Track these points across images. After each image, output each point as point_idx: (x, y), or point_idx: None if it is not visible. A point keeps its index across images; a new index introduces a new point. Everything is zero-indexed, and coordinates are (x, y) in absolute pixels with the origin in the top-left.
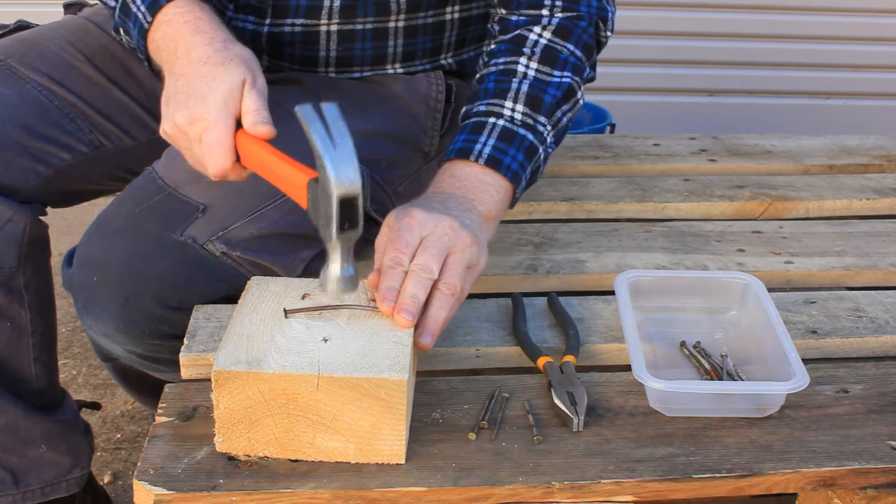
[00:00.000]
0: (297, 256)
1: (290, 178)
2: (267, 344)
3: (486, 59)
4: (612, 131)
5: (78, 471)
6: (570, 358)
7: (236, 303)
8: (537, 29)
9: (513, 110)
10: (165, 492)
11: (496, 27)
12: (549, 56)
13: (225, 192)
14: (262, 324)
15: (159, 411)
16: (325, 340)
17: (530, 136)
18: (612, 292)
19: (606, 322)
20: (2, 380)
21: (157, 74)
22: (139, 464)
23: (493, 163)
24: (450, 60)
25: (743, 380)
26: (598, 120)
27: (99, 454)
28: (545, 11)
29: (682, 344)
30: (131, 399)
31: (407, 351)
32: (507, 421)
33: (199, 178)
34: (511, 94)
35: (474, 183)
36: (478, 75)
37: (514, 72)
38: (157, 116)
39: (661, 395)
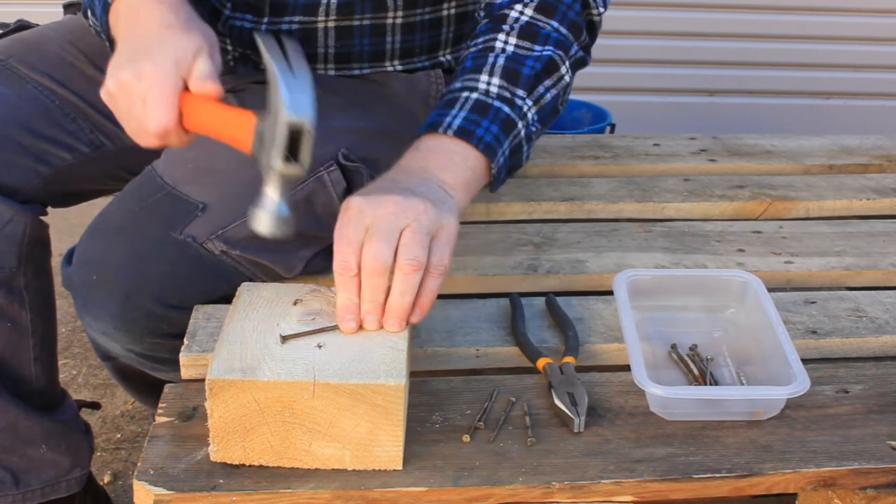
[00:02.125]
0: (296, 255)
1: (236, 121)
2: (261, 351)
3: (468, 43)
4: (612, 131)
5: (78, 471)
6: (569, 359)
7: None
8: (518, 7)
9: (488, 83)
10: (165, 492)
11: (481, 13)
12: (528, 32)
13: (224, 191)
14: (255, 330)
15: (159, 411)
16: (320, 347)
17: (506, 109)
18: (612, 292)
19: (606, 322)
20: (2, 380)
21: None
22: (139, 464)
23: (464, 133)
24: (448, 57)
25: (743, 383)
26: (598, 120)
27: (99, 454)
28: None
29: (673, 347)
30: (131, 399)
31: (403, 356)
32: (508, 421)
33: (199, 177)
34: (486, 68)
35: (437, 152)
36: (461, 56)
37: (492, 48)
38: None
39: (662, 400)
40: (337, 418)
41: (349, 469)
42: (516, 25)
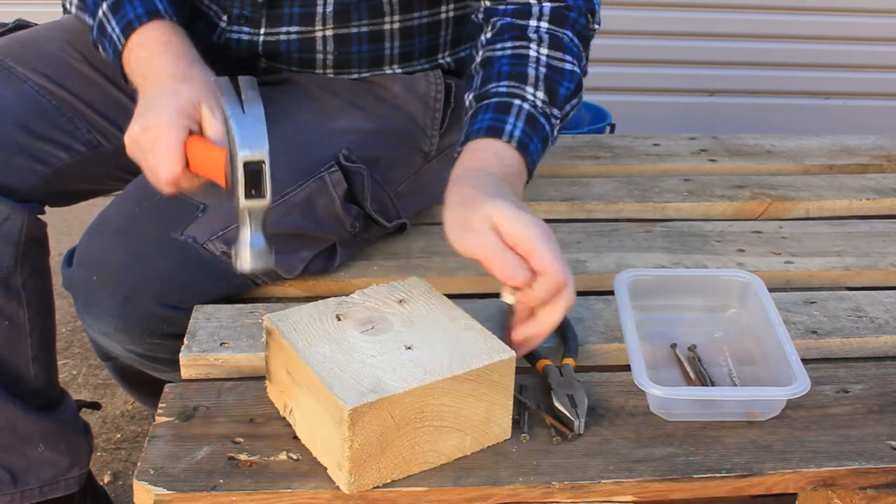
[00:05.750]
0: (296, 257)
1: (215, 160)
2: (367, 369)
3: (484, 45)
4: (612, 131)
5: (77, 470)
6: (569, 360)
7: (236, 303)
8: (533, 20)
9: (534, 96)
10: (165, 492)
11: (480, 16)
12: (556, 41)
13: (225, 192)
14: (337, 353)
15: (159, 411)
16: (409, 348)
17: (547, 127)
18: (612, 292)
19: (606, 322)
20: (0, 379)
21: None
22: (139, 464)
23: (522, 148)
24: (448, 59)
25: (735, 384)
26: (598, 120)
27: (99, 454)
28: (533, 0)
29: (673, 347)
30: (131, 399)
31: (487, 332)
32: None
33: None
34: (531, 79)
35: (514, 173)
36: (479, 59)
37: (527, 56)
38: None
39: (661, 401)
40: (461, 407)
41: (469, 454)
42: (543, 35)
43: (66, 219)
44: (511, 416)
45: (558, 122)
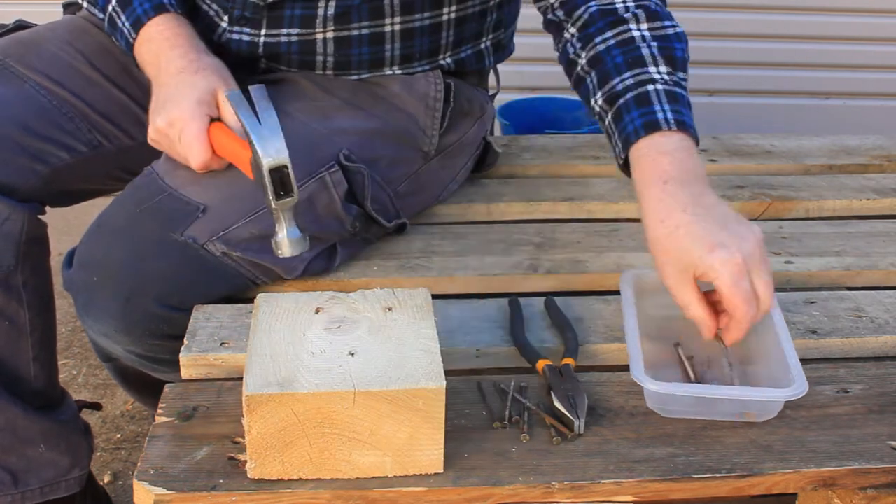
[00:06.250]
0: (297, 257)
1: (242, 156)
2: (293, 363)
3: (576, 43)
4: None
5: (77, 471)
6: (569, 360)
7: (236, 303)
8: (619, 2)
9: (660, 73)
10: (165, 492)
11: (560, 13)
12: (648, 12)
13: (225, 192)
14: (283, 342)
15: (159, 411)
16: (352, 354)
17: (685, 94)
18: (612, 292)
19: (606, 322)
20: (0, 379)
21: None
22: (139, 464)
23: (682, 126)
24: (448, 60)
25: (735, 385)
26: None
27: (99, 454)
28: None
29: (676, 346)
30: (131, 399)
31: (437, 358)
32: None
33: (200, 179)
34: (648, 59)
35: (685, 154)
36: (585, 59)
37: (633, 38)
38: None
39: (658, 396)
40: (377, 426)
41: (390, 476)
42: (636, 11)
43: (66, 219)
44: (442, 450)
45: (686, 82)
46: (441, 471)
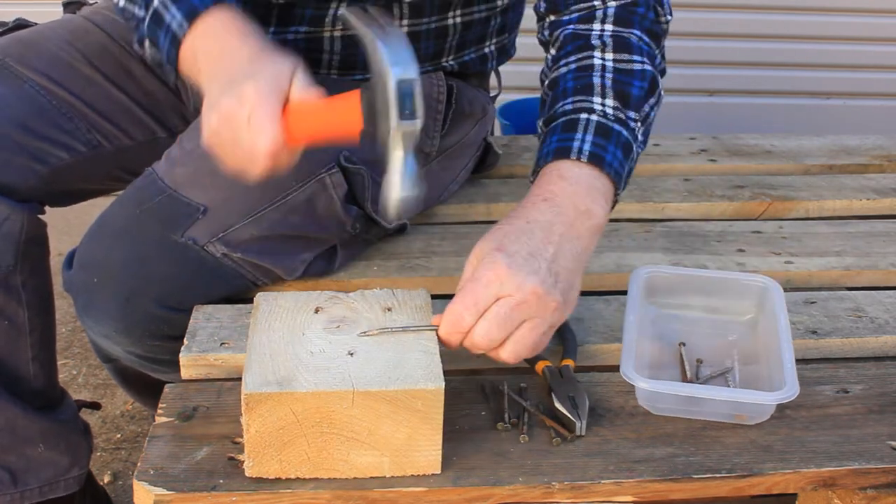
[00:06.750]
0: (297, 258)
1: (341, 105)
2: (292, 362)
3: (550, 65)
4: None
5: (76, 470)
6: (568, 361)
7: (236, 303)
8: (597, 24)
9: (603, 105)
10: (165, 492)
11: (546, 33)
12: (621, 43)
13: (225, 193)
14: (282, 341)
15: (159, 411)
16: (351, 354)
17: (624, 133)
18: (612, 292)
19: (606, 322)
20: (0, 378)
21: (179, 84)
22: (139, 464)
23: (596, 160)
24: (451, 62)
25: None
26: None
27: (99, 454)
28: (597, 3)
29: (681, 345)
30: (131, 399)
31: (437, 359)
32: (507, 422)
33: (200, 180)
34: (597, 89)
35: (585, 190)
36: (547, 81)
37: (591, 66)
38: (156, 117)
39: (647, 394)
40: (376, 426)
41: (388, 476)
42: (607, 40)
43: (66, 219)
44: (440, 451)
45: (639, 124)
46: (438, 472)
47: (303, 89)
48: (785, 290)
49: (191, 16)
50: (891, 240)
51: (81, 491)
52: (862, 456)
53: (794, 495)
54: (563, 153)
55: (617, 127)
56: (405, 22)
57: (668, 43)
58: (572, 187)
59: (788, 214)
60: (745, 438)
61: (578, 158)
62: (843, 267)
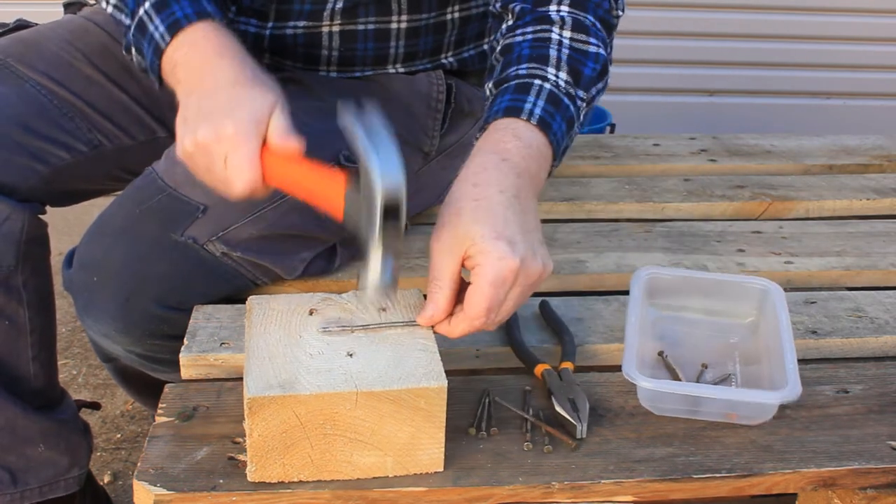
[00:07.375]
0: (297, 257)
1: (326, 184)
2: (293, 364)
3: (504, 33)
4: (612, 131)
5: (76, 470)
6: (567, 364)
7: (236, 303)
8: (553, 5)
9: (556, 76)
10: (165, 492)
11: (498, 5)
12: (578, 24)
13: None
14: (279, 344)
15: (159, 411)
16: (351, 355)
17: (571, 108)
18: (612, 292)
19: (606, 322)
20: (0, 378)
21: (163, 91)
22: (139, 464)
23: (544, 126)
24: (450, 59)
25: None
26: (598, 120)
27: (99, 454)
28: None
29: (660, 354)
30: (131, 399)
31: (437, 357)
32: (507, 422)
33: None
34: (552, 60)
35: (536, 154)
36: (500, 47)
37: (549, 39)
38: (156, 116)
39: (649, 393)
40: (379, 426)
41: (391, 476)
42: (566, 18)
43: (66, 219)
44: (443, 449)
45: (584, 104)
46: (441, 469)
47: (284, 135)
48: (785, 290)
49: (173, 29)
50: (891, 240)
51: (81, 491)
52: (862, 456)
53: (794, 495)
54: (514, 112)
55: (566, 101)
56: (404, 17)
57: (669, 43)
58: (527, 150)
59: (788, 214)
60: (745, 438)
61: (528, 120)
62: (843, 267)
